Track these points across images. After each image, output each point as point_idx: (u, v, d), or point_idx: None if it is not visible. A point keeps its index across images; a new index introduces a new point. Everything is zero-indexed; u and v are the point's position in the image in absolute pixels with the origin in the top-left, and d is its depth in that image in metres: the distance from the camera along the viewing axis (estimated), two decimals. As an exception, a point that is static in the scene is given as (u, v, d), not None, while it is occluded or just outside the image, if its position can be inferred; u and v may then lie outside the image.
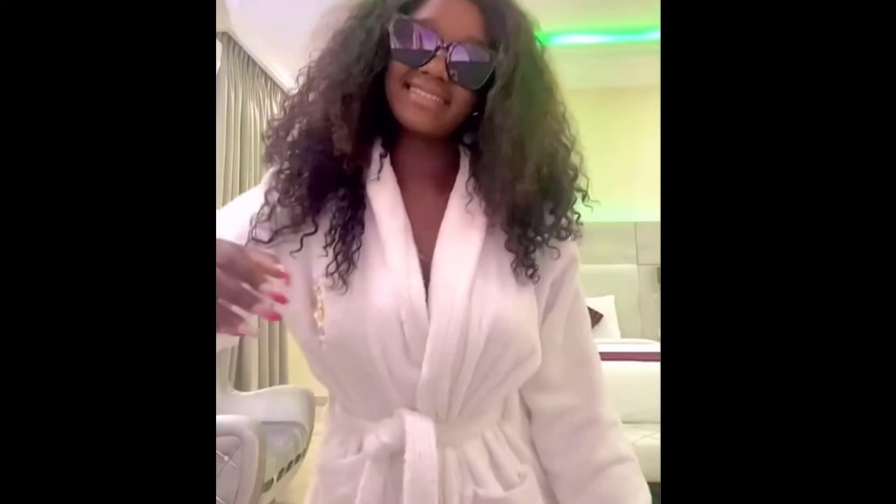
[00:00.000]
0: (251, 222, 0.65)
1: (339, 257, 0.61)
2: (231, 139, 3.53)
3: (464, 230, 0.64)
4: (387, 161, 0.66)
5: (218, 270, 0.49)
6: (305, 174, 0.64)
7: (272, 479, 2.25)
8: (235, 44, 3.61)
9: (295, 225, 0.64)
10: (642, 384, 2.47)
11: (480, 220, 0.64)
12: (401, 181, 0.66)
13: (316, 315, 0.63)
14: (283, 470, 2.41)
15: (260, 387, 3.76)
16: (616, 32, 3.86)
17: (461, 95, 0.62)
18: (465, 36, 0.61)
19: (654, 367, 2.47)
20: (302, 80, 0.68)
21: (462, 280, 0.61)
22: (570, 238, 0.69)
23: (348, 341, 0.60)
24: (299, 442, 2.62)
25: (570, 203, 0.68)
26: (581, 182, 0.69)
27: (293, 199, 0.64)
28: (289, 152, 0.66)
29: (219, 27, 3.37)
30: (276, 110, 3.44)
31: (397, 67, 0.62)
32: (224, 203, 2.88)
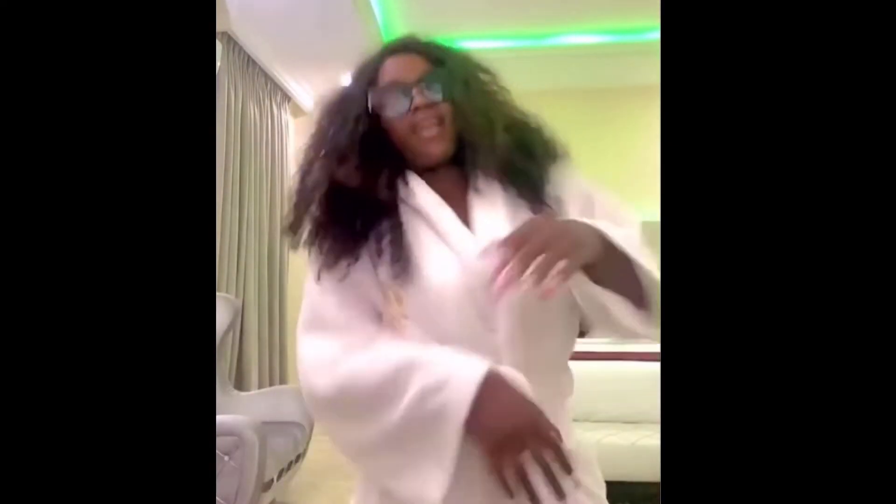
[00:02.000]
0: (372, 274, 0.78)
1: (399, 260, 0.76)
2: (231, 139, 3.53)
3: (491, 202, 0.79)
4: (419, 182, 0.81)
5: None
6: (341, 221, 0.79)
7: (272, 479, 2.25)
8: (235, 44, 3.61)
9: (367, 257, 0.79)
10: (642, 384, 2.48)
11: (496, 189, 0.80)
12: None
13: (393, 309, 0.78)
14: (283, 470, 2.41)
15: (260, 387, 3.75)
16: (616, 32, 3.86)
17: (445, 111, 0.79)
18: (422, 73, 0.79)
19: (654, 367, 2.47)
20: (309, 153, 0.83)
21: None
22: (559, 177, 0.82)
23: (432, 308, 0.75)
24: (299, 442, 2.61)
25: (548, 157, 0.83)
26: (556, 145, 0.85)
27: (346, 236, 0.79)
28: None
29: (219, 27, 3.37)
30: (275, 111, 3.44)
31: (397, 123, 0.79)
32: (223, 203, 2.86)
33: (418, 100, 0.77)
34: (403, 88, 0.78)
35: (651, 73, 3.70)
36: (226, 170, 3.45)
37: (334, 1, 3.30)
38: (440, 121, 0.79)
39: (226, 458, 1.94)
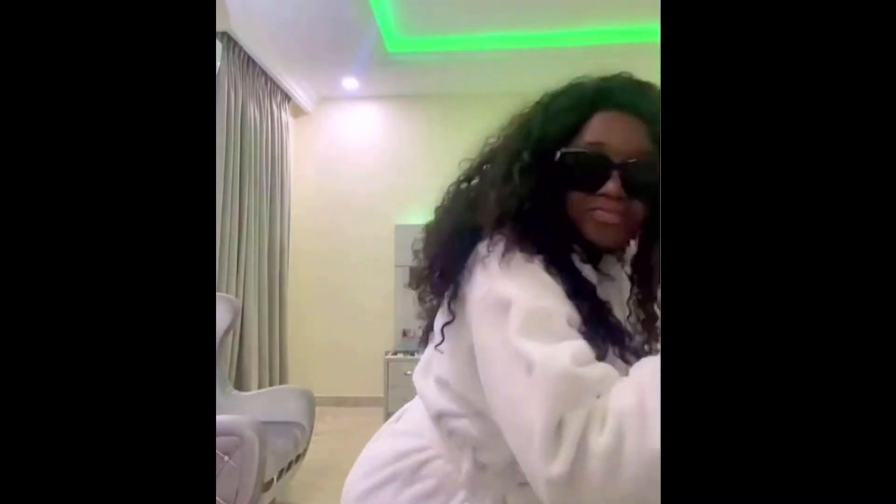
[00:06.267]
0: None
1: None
2: (231, 139, 3.53)
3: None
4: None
5: None
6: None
7: (272, 479, 2.25)
8: (235, 44, 3.61)
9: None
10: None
11: None
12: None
13: None
14: (283, 470, 2.41)
15: (260, 387, 3.76)
16: (616, 32, 3.86)
17: (639, 210, 0.63)
18: (636, 152, 0.61)
19: (654, 367, 2.46)
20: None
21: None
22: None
23: None
24: (299, 442, 2.61)
25: None
26: None
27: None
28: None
29: (219, 27, 3.37)
30: (275, 110, 3.41)
31: (576, 196, 0.63)
32: (224, 203, 2.86)
33: (615, 190, 0.60)
34: (604, 162, 0.60)
35: (651, 74, 3.68)
36: (226, 170, 3.45)
37: (334, 1, 3.30)
38: (624, 213, 0.62)
39: (226, 458, 1.94)
